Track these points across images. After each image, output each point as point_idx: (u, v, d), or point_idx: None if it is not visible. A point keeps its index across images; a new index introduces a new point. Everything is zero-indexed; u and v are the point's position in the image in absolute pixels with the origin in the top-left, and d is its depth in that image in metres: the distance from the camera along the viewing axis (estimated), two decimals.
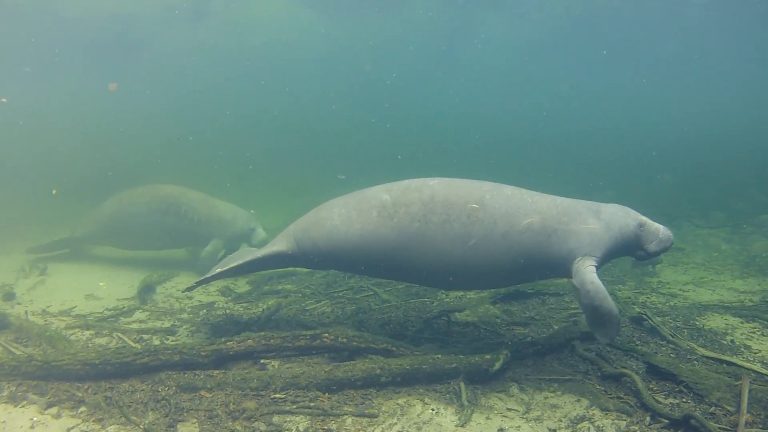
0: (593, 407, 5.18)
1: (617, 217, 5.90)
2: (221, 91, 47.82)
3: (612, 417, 5.02)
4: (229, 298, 8.98)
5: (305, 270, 10.73)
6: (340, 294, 8.79)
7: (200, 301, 8.77)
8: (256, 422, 4.86)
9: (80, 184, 20.20)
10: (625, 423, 4.91)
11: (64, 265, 11.00)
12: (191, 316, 8.04)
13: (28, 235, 13.51)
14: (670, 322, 7.51)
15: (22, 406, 5.11)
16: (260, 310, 8.19)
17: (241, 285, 9.75)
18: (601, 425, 4.87)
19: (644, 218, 5.93)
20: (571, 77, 50.30)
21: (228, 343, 5.87)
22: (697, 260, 11.85)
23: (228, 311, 8.24)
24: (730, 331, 7.34)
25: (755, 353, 6.56)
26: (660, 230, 5.86)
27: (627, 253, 6.05)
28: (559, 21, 30.61)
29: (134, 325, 7.60)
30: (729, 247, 13.08)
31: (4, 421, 4.88)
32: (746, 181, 21.24)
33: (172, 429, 4.74)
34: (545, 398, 5.35)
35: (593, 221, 5.83)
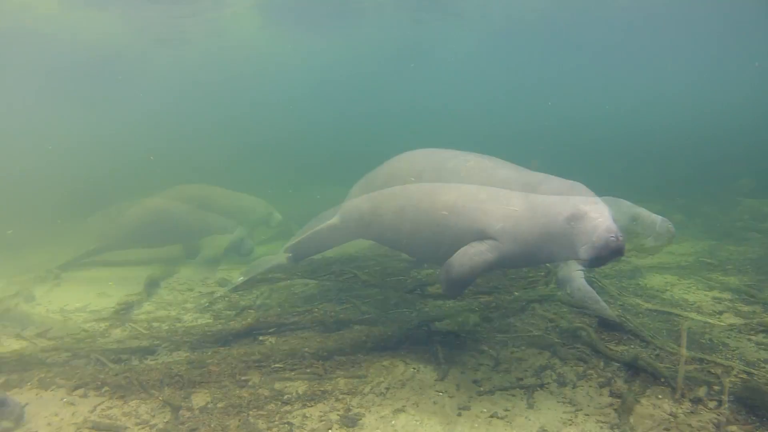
0: (554, 358, 5.35)
1: (551, 202, 4.43)
2: (202, 109, 47.56)
3: (571, 364, 5.19)
4: (227, 288, 9.03)
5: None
6: (325, 277, 8.87)
7: (201, 292, 8.81)
8: (260, 389, 4.96)
9: (67, 200, 20.09)
10: (582, 369, 5.09)
11: (75, 271, 10.96)
12: (194, 305, 8.10)
13: (34, 250, 13.45)
14: (617, 283, 7.71)
15: (52, 390, 5.16)
16: (255, 296, 8.27)
17: (236, 276, 9.80)
18: (562, 372, 5.05)
19: (587, 209, 4.23)
20: (531, 75, 50.45)
21: (230, 323, 5.98)
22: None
23: (226, 299, 8.30)
24: (669, 287, 7.56)
25: (692, 304, 6.79)
26: (598, 231, 4.05)
27: (564, 252, 4.45)
28: (508, 23, 30.67)
29: (143, 316, 7.63)
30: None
31: (37, 402, 4.94)
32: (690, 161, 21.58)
33: (186, 400, 4.83)
34: (511, 353, 5.50)
35: (518, 202, 4.60)
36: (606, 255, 3.99)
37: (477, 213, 4.77)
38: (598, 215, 4.15)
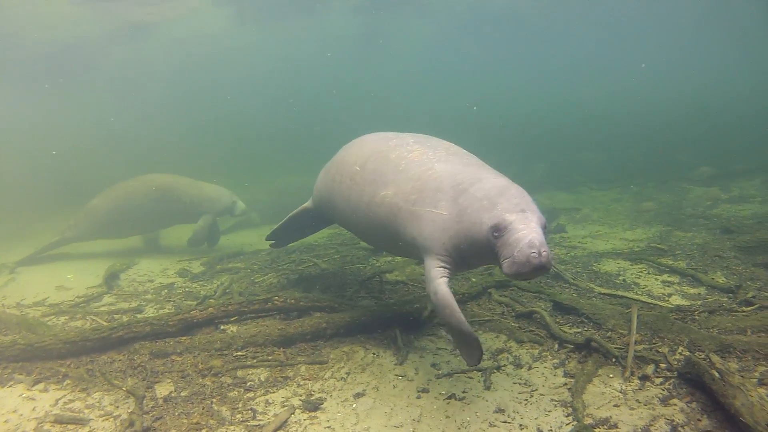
0: (510, 341, 5.52)
1: (477, 208, 4.02)
2: (165, 101, 47.01)
3: (527, 347, 5.36)
4: (187, 278, 9.02)
5: (251, 250, 10.90)
6: (284, 267, 8.94)
7: (161, 283, 8.79)
8: (222, 377, 5.02)
9: (31, 195, 19.80)
10: (537, 351, 5.26)
11: (31, 265, 10.80)
12: (154, 296, 8.08)
13: None
14: (572, 269, 7.93)
15: (10, 386, 5.11)
16: (215, 286, 8.28)
17: (196, 266, 9.79)
18: (518, 354, 5.21)
19: (512, 219, 3.79)
20: (494, 61, 50.77)
21: (192, 312, 5.99)
22: (593, 217, 12.40)
23: (187, 289, 8.30)
24: (621, 272, 7.79)
25: (643, 288, 7.03)
26: (520, 245, 3.63)
27: (490, 260, 4.13)
28: (469, 13, 30.85)
29: (104, 308, 7.59)
30: (618, 205, 13.71)
31: None
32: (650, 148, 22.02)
33: (150, 390, 4.87)
34: None
35: (446, 205, 4.25)
36: (526, 272, 3.59)
37: (408, 216, 4.51)
38: (523, 227, 3.72)
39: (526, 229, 3.70)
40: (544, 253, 3.55)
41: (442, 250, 4.28)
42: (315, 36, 33.14)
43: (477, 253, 4.10)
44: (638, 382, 4.53)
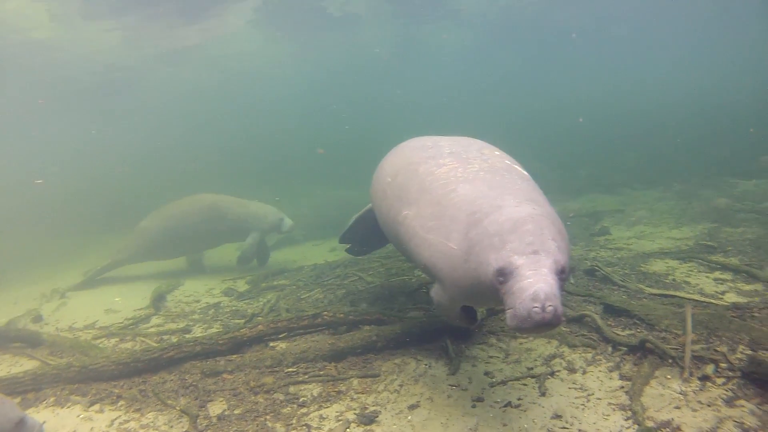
0: (562, 346, 5.43)
1: (486, 246, 3.52)
2: (206, 120, 47.84)
3: (579, 351, 5.27)
4: (233, 297, 9.09)
5: (295, 267, 10.96)
6: (330, 282, 8.95)
7: (207, 303, 8.87)
8: (275, 394, 5.04)
9: (74, 218, 20.26)
10: (590, 355, 5.17)
11: (79, 290, 11.02)
12: (201, 316, 8.16)
13: (34, 270, 13.59)
14: (619, 271, 7.79)
15: (68, 407, 5.23)
16: (262, 303, 8.33)
17: (241, 285, 9.87)
18: (571, 359, 5.13)
19: (520, 264, 3.29)
20: (527, 65, 50.54)
21: (241, 330, 6.03)
22: (637, 218, 12.19)
23: (234, 308, 8.36)
24: (671, 272, 7.63)
25: (694, 287, 6.87)
26: (522, 296, 3.16)
27: (496, 302, 3.62)
28: (497, 19, 30.80)
29: (153, 329, 7.69)
30: (663, 204, 13.46)
31: (55, 420, 5.01)
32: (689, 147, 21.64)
33: (203, 408, 4.90)
34: (520, 344, 5.57)
35: (458, 238, 3.78)
36: (528, 328, 3.14)
37: (422, 243, 4.15)
38: (530, 273, 3.22)
39: (533, 277, 3.20)
40: (550, 308, 3.06)
41: (451, 286, 3.93)
42: (351, 50, 33.33)
43: (484, 296, 3.67)
44: (698, 382, 4.42)
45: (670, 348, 4.91)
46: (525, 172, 4.42)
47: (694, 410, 4.03)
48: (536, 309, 3.06)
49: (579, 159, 22.45)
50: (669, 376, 4.56)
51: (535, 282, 3.15)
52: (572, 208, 13.33)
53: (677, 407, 4.10)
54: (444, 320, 5.86)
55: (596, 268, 7.59)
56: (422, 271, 4.65)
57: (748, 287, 6.66)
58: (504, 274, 3.32)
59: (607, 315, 6.01)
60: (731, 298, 6.33)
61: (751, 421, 3.81)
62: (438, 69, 46.98)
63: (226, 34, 24.26)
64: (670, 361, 4.75)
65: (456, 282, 3.84)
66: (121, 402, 5.22)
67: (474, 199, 3.89)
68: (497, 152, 4.68)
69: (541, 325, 3.10)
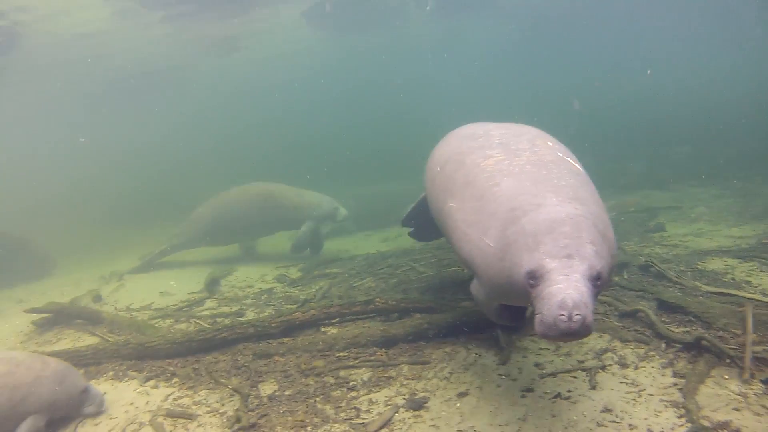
0: (614, 340, 5.36)
1: (521, 246, 3.38)
2: (251, 115, 48.45)
3: (631, 347, 5.19)
4: (285, 283, 9.22)
5: (347, 256, 11.04)
6: (382, 271, 8.99)
7: (260, 288, 9.03)
8: (325, 377, 5.11)
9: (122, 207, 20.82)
10: (643, 350, 5.08)
11: (136, 273, 11.36)
12: (254, 300, 8.31)
13: (92, 256, 14.07)
14: (675, 268, 7.62)
15: (126, 381, 5.43)
16: (314, 290, 8.44)
17: (294, 273, 10.00)
18: (623, 354, 5.05)
19: (552, 268, 3.15)
20: (564, 65, 49.85)
21: (294, 314, 6.14)
22: (693, 215, 11.91)
23: (286, 294, 8.50)
24: (729, 270, 7.43)
25: (755, 287, 6.66)
26: (550, 303, 3.01)
27: (525, 300, 3.44)
28: (541, 13, 30.45)
29: (206, 312, 7.88)
30: (721, 201, 13.11)
31: (114, 392, 5.20)
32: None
33: (254, 389, 5.01)
34: None
35: (495, 234, 3.65)
36: (554, 336, 3.00)
37: (464, 238, 4.02)
38: (561, 278, 3.07)
39: (563, 283, 3.03)
40: (577, 317, 2.89)
41: (487, 284, 3.85)
42: (397, 43, 33.34)
43: (518, 296, 3.51)
44: (761, 386, 4.28)
45: (729, 347, 4.77)
46: (577, 166, 4.24)
47: (757, 414, 3.91)
48: (562, 317, 2.91)
49: (633, 153, 21.95)
50: (727, 377, 4.45)
51: (565, 288, 3.00)
52: (628, 203, 13.08)
53: (736, 409, 3.99)
54: None
55: (651, 264, 7.45)
56: (462, 265, 4.62)
57: None
58: (535, 277, 3.19)
59: (661, 311, 5.88)
60: None
61: None
62: (486, 60, 46.62)
63: (275, 26, 24.40)
64: (728, 361, 4.61)
65: (491, 279, 3.74)
66: (175, 379, 5.39)
67: (515, 195, 3.72)
68: (550, 142, 4.47)
69: (567, 335, 2.95)
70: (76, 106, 31.14)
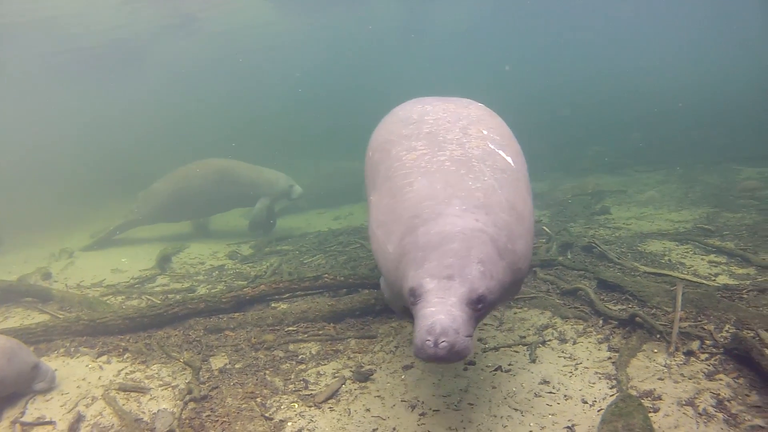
0: (555, 317, 5.60)
1: (412, 259, 3.29)
2: (211, 92, 47.72)
3: (571, 323, 5.43)
4: (236, 260, 9.29)
5: (299, 233, 11.14)
6: (332, 248, 9.13)
7: (212, 265, 9.07)
8: (275, 351, 5.23)
9: (84, 183, 20.46)
10: (582, 326, 5.33)
11: (87, 250, 11.25)
12: (206, 277, 8.36)
13: (42, 233, 13.86)
14: (616, 249, 7.92)
15: (77, 357, 5.45)
16: (265, 267, 8.53)
17: (245, 250, 10.06)
18: (563, 330, 5.29)
19: (429, 289, 3.05)
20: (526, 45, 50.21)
21: (244, 289, 6.22)
22: (638, 199, 12.30)
23: (237, 270, 8.56)
24: (667, 252, 7.75)
25: (689, 268, 6.99)
26: (420, 326, 2.95)
27: None
28: None
29: (158, 289, 7.91)
30: (664, 187, 13.55)
31: (65, 368, 5.23)
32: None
33: (205, 362, 5.10)
34: (514, 313, 5.74)
35: (395, 241, 3.55)
36: (422, 359, 2.91)
37: (372, 237, 3.94)
38: (436, 301, 2.98)
39: (436, 306, 2.94)
40: (443, 344, 2.81)
41: (389, 288, 3.79)
42: (358, 23, 33.27)
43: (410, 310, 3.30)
44: (683, 357, 4.56)
45: (659, 324, 5.04)
46: (508, 159, 3.99)
47: (676, 382, 4.19)
48: (428, 342, 2.84)
49: (589, 138, 22.41)
50: (656, 350, 4.71)
51: (437, 312, 2.91)
52: (574, 188, 13.41)
53: (660, 379, 4.25)
54: None
55: (593, 244, 7.73)
56: None
57: (741, 271, 6.78)
58: (414, 295, 3.10)
59: (601, 290, 6.15)
60: (723, 280, 6.45)
61: (726, 393, 3.97)
62: (448, 42, 46.77)
63: (234, 7, 24.15)
64: (658, 336, 4.88)
65: (390, 284, 3.72)
66: (128, 354, 5.44)
67: (421, 200, 3.54)
68: (486, 130, 4.20)
69: (433, 359, 2.87)
70: (28, 76, 30.26)
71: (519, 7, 33.36)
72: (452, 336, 2.83)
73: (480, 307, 3.07)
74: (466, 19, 37.30)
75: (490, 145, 4.00)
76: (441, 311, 2.90)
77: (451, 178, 3.63)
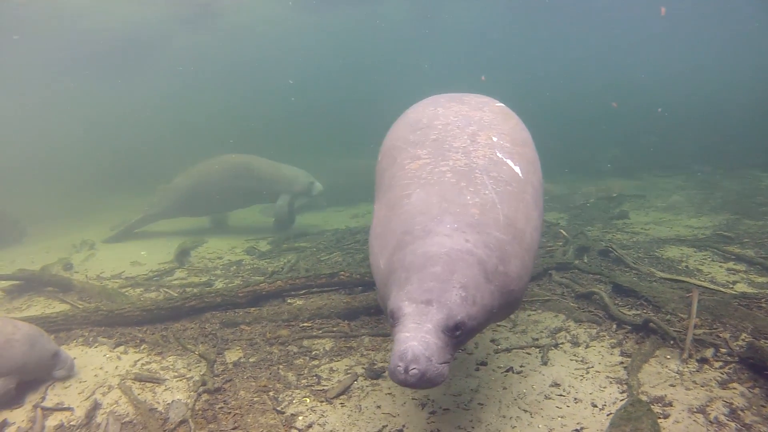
0: (569, 320, 5.59)
1: (396, 279, 3.26)
2: (223, 87, 47.96)
3: (584, 327, 5.43)
4: (254, 256, 9.36)
5: (316, 231, 11.20)
6: (349, 246, 9.18)
7: (229, 260, 9.16)
8: (289, 346, 5.28)
9: (99, 177, 20.70)
10: (595, 330, 5.33)
11: (107, 243, 11.40)
12: (223, 271, 8.44)
13: (64, 224, 14.05)
14: (633, 254, 7.90)
15: (95, 347, 5.55)
16: (282, 263, 8.60)
17: (263, 246, 10.13)
18: (576, 333, 5.29)
19: (406, 313, 3.01)
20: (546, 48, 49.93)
21: (261, 284, 6.29)
22: (657, 204, 12.23)
23: (255, 266, 8.64)
24: (684, 258, 7.71)
25: (706, 275, 6.95)
26: (393, 351, 2.93)
27: None
28: None
29: (176, 282, 8.00)
30: (684, 192, 13.45)
31: (83, 357, 5.33)
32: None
33: (220, 355, 5.17)
34: (528, 315, 5.75)
35: (386, 256, 3.53)
36: (395, 382, 2.89)
37: (369, 247, 3.93)
38: (412, 326, 2.93)
39: (411, 332, 2.90)
40: (413, 371, 2.78)
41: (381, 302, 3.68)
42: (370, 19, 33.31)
43: None
44: (696, 364, 4.53)
45: (674, 330, 5.02)
46: (516, 169, 3.86)
47: (688, 389, 4.17)
48: (399, 368, 2.80)
49: (608, 141, 22.30)
50: (669, 357, 4.70)
51: (411, 338, 2.88)
52: (598, 191, 13.38)
53: (672, 385, 4.24)
54: None
55: (610, 249, 7.71)
56: None
57: (760, 279, 6.72)
58: (393, 317, 3.07)
59: (616, 294, 6.14)
60: (741, 288, 6.41)
61: (739, 402, 3.94)
62: (466, 41, 46.61)
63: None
64: (672, 342, 4.86)
65: (380, 298, 3.70)
66: (144, 345, 5.52)
67: (414, 215, 3.50)
68: (495, 137, 4.05)
69: (404, 385, 2.86)
70: (52, 71, 30.62)
71: (536, 13, 33.34)
72: (423, 364, 2.80)
73: (458, 334, 3.02)
74: (486, 19, 37.27)
75: (498, 154, 3.89)
76: (415, 338, 2.87)
77: (448, 191, 3.56)
